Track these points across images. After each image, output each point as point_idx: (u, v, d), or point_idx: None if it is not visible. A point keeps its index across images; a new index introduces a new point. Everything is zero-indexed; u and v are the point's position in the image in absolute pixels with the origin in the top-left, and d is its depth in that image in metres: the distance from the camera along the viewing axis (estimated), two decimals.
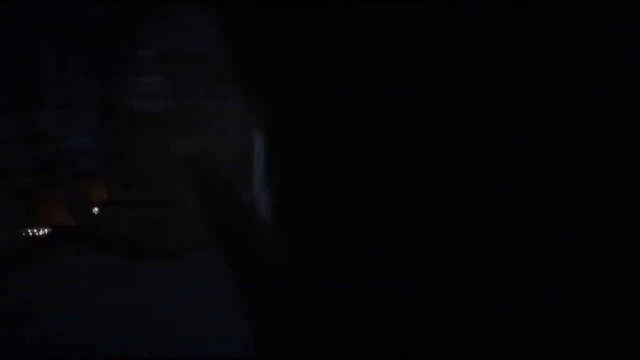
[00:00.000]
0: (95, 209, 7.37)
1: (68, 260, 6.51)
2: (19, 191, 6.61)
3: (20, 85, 6.83)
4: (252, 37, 0.34)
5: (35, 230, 6.97)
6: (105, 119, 7.66)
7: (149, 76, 6.99)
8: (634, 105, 0.31)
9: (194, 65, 7.60)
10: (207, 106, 7.77)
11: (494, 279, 0.32)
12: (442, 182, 0.32)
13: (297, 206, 0.37)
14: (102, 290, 5.70)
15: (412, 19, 0.30)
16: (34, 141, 6.80)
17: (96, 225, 7.07)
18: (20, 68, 6.82)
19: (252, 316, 0.44)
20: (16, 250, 6.46)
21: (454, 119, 0.31)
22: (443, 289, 0.33)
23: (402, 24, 0.30)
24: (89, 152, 7.37)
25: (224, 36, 0.36)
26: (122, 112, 7.07)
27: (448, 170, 0.32)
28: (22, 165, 6.59)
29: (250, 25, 0.34)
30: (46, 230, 7.05)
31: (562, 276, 0.33)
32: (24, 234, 6.77)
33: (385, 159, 0.32)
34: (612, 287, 0.33)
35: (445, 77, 0.31)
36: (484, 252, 0.32)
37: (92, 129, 7.56)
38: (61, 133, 7.13)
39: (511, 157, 0.31)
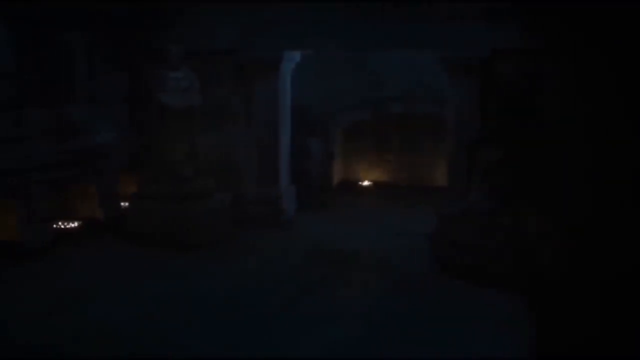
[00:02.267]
0: (125, 203, 7.45)
1: (98, 253, 6.60)
2: (51, 185, 6.71)
3: (52, 81, 6.93)
4: None
5: (66, 223, 7.08)
6: (135, 113, 7.74)
7: (178, 71, 7.05)
8: None
9: (218, 62, 7.65)
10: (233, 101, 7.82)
11: None
12: None
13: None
14: (131, 282, 5.78)
15: None
16: (65, 135, 6.89)
17: (126, 218, 7.17)
18: (51, 64, 6.92)
19: None
20: (47, 243, 6.57)
21: None
22: None
23: None
24: (119, 146, 7.45)
25: None
26: (151, 107, 7.12)
27: None
28: (54, 159, 6.68)
29: None
30: (77, 224, 7.16)
31: None
32: (55, 227, 6.88)
33: None
34: None
35: None
36: None
37: (122, 123, 7.64)
38: (92, 127, 7.21)
39: None
